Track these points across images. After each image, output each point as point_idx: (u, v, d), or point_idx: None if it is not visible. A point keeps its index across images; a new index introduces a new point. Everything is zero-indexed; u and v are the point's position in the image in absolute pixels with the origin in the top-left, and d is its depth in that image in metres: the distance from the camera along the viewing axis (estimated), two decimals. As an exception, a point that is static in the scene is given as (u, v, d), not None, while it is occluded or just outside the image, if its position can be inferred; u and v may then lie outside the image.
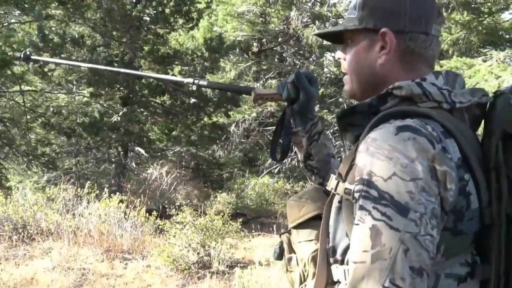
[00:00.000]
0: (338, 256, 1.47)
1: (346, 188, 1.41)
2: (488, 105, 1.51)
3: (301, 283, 1.64)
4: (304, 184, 16.76)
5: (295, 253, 1.69)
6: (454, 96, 1.43)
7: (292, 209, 1.70)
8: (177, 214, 9.10)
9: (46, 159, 15.81)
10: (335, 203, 1.49)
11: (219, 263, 8.35)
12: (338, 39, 1.68)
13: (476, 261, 1.41)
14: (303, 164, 2.14)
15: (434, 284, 1.33)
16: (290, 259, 1.71)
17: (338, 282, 1.49)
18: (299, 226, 1.66)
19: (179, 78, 3.71)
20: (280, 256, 1.76)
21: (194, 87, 2.51)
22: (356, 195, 1.34)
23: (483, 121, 1.51)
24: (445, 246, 1.33)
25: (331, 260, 1.50)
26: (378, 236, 1.26)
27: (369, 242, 1.26)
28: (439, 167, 1.28)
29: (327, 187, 1.56)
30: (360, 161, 1.34)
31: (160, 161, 16.20)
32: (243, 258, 9.12)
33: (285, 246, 1.73)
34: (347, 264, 1.41)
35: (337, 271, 1.48)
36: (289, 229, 1.73)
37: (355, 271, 1.28)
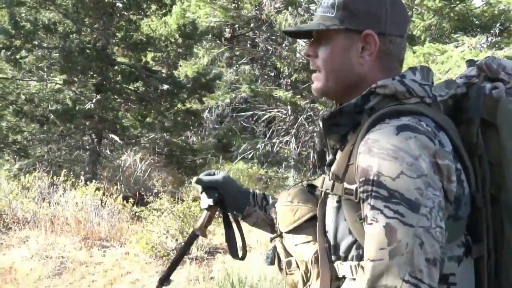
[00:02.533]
0: (341, 253, 1.54)
1: (346, 188, 1.48)
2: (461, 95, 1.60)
3: (304, 284, 1.67)
4: (277, 169, 16.87)
5: (292, 256, 1.72)
6: (434, 90, 1.52)
7: (285, 214, 1.73)
8: (155, 201, 9.11)
9: (18, 147, 15.66)
10: (331, 203, 1.56)
11: (198, 249, 8.40)
12: (306, 35, 1.71)
13: (469, 240, 1.50)
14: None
15: (440, 270, 1.38)
16: (289, 263, 1.73)
17: (344, 277, 1.55)
18: (294, 229, 1.69)
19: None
20: (273, 261, 1.79)
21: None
22: (364, 195, 1.40)
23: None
24: (448, 232, 1.41)
25: (333, 257, 1.57)
26: (393, 233, 1.33)
27: (385, 239, 1.33)
28: (441, 161, 1.36)
29: (317, 188, 1.63)
30: (363, 162, 1.40)
31: (134, 148, 16.14)
32: (221, 244, 9.15)
33: (280, 250, 1.76)
34: (352, 260, 1.51)
35: (342, 267, 1.55)
36: (280, 233, 1.76)
37: (373, 268, 1.34)
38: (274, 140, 17.36)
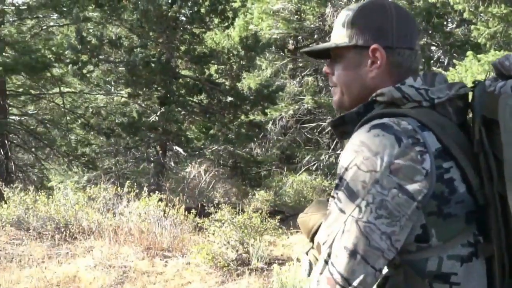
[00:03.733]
0: None
1: None
2: (470, 96, 1.61)
3: None
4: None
5: None
6: (431, 93, 1.54)
7: (303, 225, 1.81)
8: (216, 212, 9.16)
9: (86, 159, 16.09)
10: None
11: (257, 260, 8.38)
12: (324, 55, 1.79)
13: (479, 241, 1.50)
14: None
15: (438, 266, 1.44)
16: None
17: None
18: (312, 238, 1.74)
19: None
20: (310, 272, 1.81)
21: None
22: None
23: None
24: (435, 229, 1.44)
25: None
26: (329, 215, 1.46)
27: (325, 220, 1.46)
28: (402, 162, 1.40)
29: None
30: (340, 157, 1.49)
31: (198, 160, 16.30)
32: (281, 255, 9.14)
33: (313, 260, 1.78)
34: None
35: None
36: (310, 244, 1.80)
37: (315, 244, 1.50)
38: (338, 152, 17.24)
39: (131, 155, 16.88)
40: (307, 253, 1.82)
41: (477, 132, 1.49)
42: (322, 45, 1.75)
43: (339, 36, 1.66)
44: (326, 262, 1.40)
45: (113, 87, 16.72)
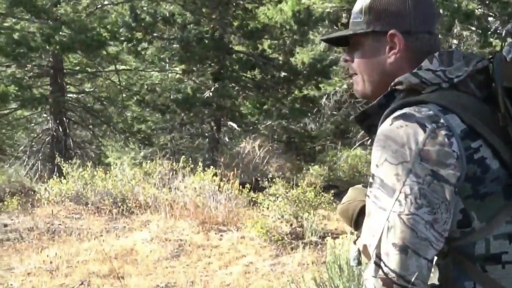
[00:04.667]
0: None
1: None
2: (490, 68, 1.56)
3: None
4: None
5: None
6: (449, 73, 1.50)
7: (343, 215, 1.79)
8: (270, 186, 9.20)
9: (142, 135, 16.32)
10: None
11: (311, 234, 8.41)
12: (343, 42, 1.76)
13: None
14: None
15: (486, 248, 1.41)
16: None
17: None
18: (354, 227, 1.74)
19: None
20: (360, 261, 1.82)
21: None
22: None
23: None
24: (475, 212, 1.41)
25: None
26: (369, 216, 1.43)
27: (366, 221, 1.44)
28: (431, 147, 1.37)
29: None
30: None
31: (253, 135, 16.35)
32: (335, 229, 9.13)
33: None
34: None
35: None
36: (355, 234, 1.79)
37: (360, 247, 1.50)
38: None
39: (186, 131, 17.02)
40: (355, 242, 1.83)
41: (501, 104, 1.45)
42: (339, 33, 1.73)
43: (357, 22, 1.64)
44: (377, 263, 1.37)
45: (167, 64, 16.87)
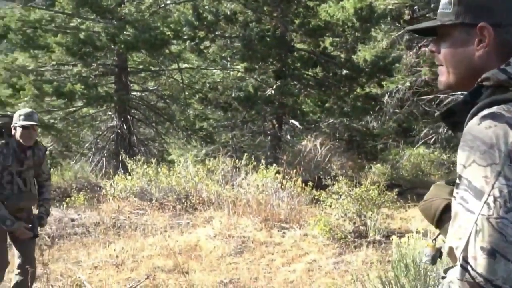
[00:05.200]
0: None
1: None
2: None
3: None
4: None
5: None
6: None
7: (425, 212, 1.75)
8: (333, 184, 9.15)
9: (204, 133, 16.47)
10: None
11: (375, 233, 8.33)
12: (430, 32, 1.72)
13: None
14: None
15: None
16: None
17: None
18: (437, 225, 1.70)
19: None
20: (435, 261, 1.81)
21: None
22: None
23: None
24: None
25: None
26: (456, 218, 1.38)
27: (452, 223, 1.39)
28: None
29: None
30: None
31: (314, 133, 16.31)
32: (399, 228, 9.03)
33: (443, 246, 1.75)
34: None
35: None
36: (437, 232, 1.76)
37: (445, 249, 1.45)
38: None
39: (247, 129, 17.11)
40: (435, 240, 1.80)
41: None
42: (428, 23, 1.69)
43: (445, 13, 1.60)
44: (464, 266, 1.33)
45: (228, 62, 16.98)
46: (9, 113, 6.10)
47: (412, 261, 4.83)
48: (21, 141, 5.23)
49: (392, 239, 5.69)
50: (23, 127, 5.18)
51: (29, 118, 5.19)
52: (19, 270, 5.32)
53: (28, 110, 5.37)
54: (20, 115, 5.23)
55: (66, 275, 6.90)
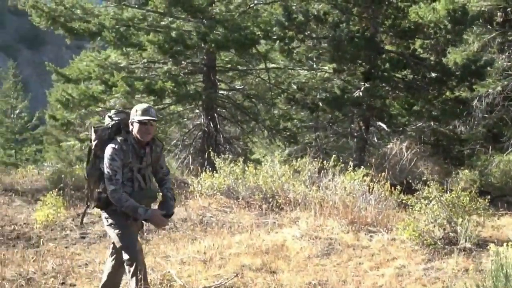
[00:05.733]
0: None
1: None
2: None
3: None
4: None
5: None
6: None
7: None
8: (423, 189, 8.97)
9: (288, 133, 16.50)
10: None
11: (465, 240, 8.12)
12: None
13: None
14: None
15: None
16: None
17: None
18: None
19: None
20: None
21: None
22: None
23: None
24: None
25: None
26: None
27: None
28: None
29: None
30: None
31: (400, 136, 16.08)
32: (490, 237, 8.75)
33: None
34: None
35: None
36: None
37: None
38: (551, 131, 16.15)
39: (331, 130, 17.04)
40: None
41: None
42: None
43: None
44: None
45: (315, 63, 16.94)
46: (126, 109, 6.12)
47: (512, 271, 4.70)
48: (138, 137, 5.18)
49: (490, 247, 5.54)
50: (140, 122, 5.14)
51: (146, 113, 5.16)
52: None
53: (145, 105, 5.35)
54: (137, 111, 5.19)
55: (156, 269, 7.05)
